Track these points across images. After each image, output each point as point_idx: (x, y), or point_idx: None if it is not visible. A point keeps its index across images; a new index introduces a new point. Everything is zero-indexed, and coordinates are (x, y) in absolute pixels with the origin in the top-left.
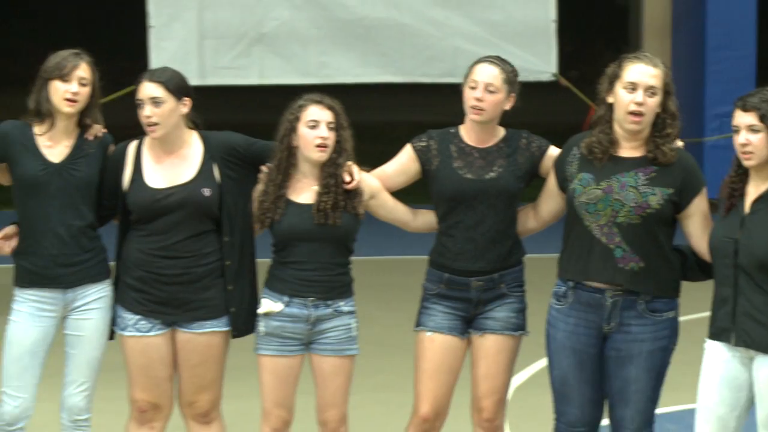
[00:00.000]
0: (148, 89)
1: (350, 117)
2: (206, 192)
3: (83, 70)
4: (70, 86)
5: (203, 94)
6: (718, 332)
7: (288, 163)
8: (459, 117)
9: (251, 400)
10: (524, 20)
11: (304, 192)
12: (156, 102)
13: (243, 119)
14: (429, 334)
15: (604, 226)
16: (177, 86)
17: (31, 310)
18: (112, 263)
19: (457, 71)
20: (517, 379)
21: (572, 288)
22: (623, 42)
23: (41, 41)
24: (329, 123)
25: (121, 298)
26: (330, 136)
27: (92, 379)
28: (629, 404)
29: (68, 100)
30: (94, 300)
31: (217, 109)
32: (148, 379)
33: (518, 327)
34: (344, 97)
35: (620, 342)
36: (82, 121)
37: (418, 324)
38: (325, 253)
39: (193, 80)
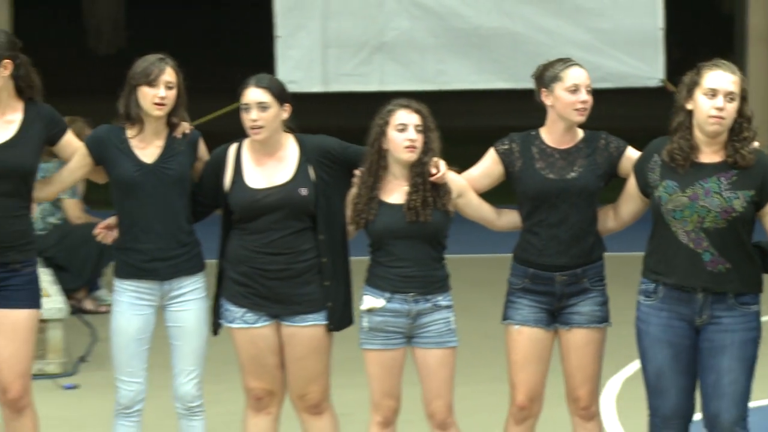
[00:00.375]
0: (254, 94)
1: (464, 121)
2: (303, 191)
3: (169, 75)
4: (158, 91)
5: (326, 99)
6: None
7: (378, 165)
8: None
9: (359, 391)
10: (632, 28)
11: (395, 192)
12: (263, 107)
13: (364, 124)
14: (516, 327)
15: (690, 231)
16: (280, 92)
17: (131, 300)
18: (211, 260)
19: None
20: (626, 372)
21: (662, 284)
22: (728, 49)
23: (170, 52)
24: (417, 126)
25: (227, 293)
26: (418, 138)
27: (200, 367)
28: (724, 396)
29: (157, 104)
30: (190, 291)
31: (339, 114)
32: (260, 367)
33: (602, 319)
34: (460, 102)
35: (712, 332)
36: (170, 121)
37: (506, 317)
38: (419, 249)
39: (317, 87)
